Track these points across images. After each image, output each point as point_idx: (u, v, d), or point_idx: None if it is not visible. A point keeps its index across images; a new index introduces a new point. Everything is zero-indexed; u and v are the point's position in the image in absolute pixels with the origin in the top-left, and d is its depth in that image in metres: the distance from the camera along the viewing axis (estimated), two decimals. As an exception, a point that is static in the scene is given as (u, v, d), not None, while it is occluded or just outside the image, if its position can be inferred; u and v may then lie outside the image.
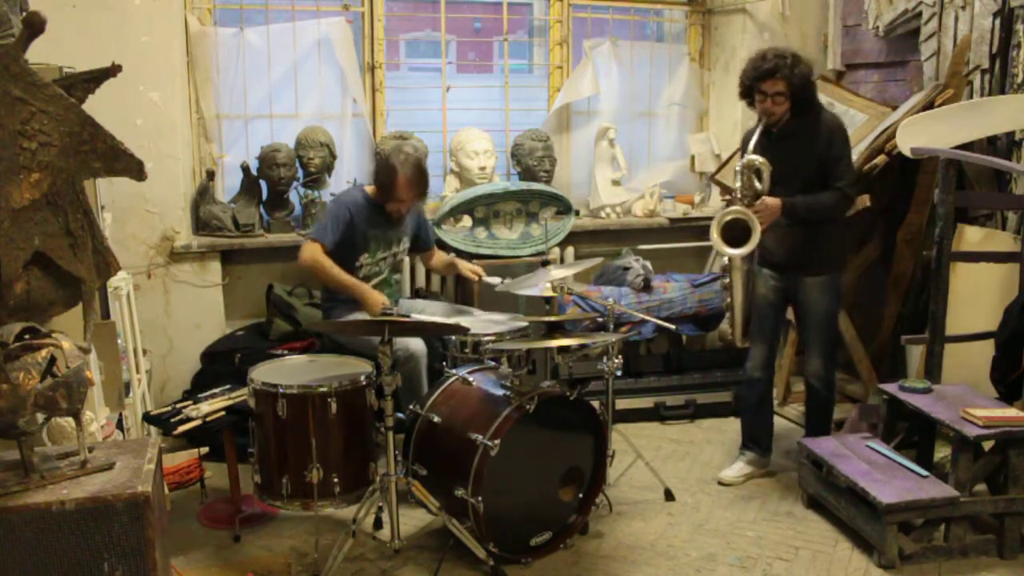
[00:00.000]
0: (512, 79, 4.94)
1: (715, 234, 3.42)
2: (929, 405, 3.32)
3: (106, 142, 2.21)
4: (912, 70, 4.54)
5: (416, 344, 3.51)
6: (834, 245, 3.62)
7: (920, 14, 4.37)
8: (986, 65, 4.02)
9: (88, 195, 2.32)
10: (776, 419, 3.99)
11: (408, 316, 3.49)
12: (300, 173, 4.37)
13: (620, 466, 3.74)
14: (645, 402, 4.48)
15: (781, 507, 3.56)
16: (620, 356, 3.40)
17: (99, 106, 2.29)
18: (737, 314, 3.60)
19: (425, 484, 3.08)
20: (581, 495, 3.23)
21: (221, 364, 4.04)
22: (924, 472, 3.23)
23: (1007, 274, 3.67)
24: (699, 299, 4.53)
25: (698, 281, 4.60)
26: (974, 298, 3.83)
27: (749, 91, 3.48)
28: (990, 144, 4.03)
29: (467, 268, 3.96)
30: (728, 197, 4.71)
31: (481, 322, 3.66)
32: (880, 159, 3.98)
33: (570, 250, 4.78)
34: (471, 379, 3.26)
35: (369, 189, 3.74)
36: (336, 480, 3.00)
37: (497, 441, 2.90)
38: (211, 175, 4.26)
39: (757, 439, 3.83)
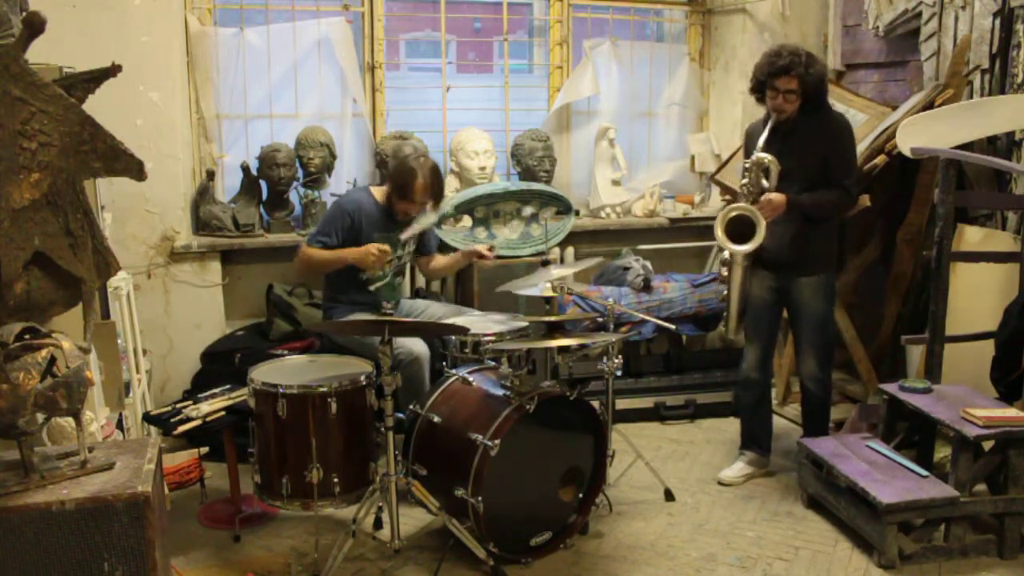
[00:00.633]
0: (512, 79, 4.94)
1: (719, 230, 3.42)
2: (929, 405, 3.32)
3: (106, 142, 2.21)
4: (912, 70, 4.54)
5: (419, 346, 3.51)
6: (828, 245, 3.62)
7: (920, 14, 4.37)
8: (986, 65, 4.02)
9: (88, 195, 2.32)
10: (775, 419, 4.00)
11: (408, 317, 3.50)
12: (300, 173, 4.37)
13: (620, 466, 3.74)
14: (645, 402, 4.48)
15: (781, 507, 3.56)
16: (620, 356, 3.40)
17: (99, 106, 2.29)
18: (732, 307, 3.61)
19: (425, 484, 3.08)
20: (581, 495, 3.23)
21: (221, 364, 4.04)
22: (924, 472, 3.23)
23: (1007, 274, 3.67)
24: (699, 299, 4.53)
25: (698, 281, 4.60)
26: (974, 298, 3.83)
27: (761, 87, 3.48)
28: (990, 144, 4.03)
29: (477, 248, 3.85)
30: (728, 197, 4.72)
31: (480, 322, 3.65)
32: (880, 159, 3.98)
33: (570, 250, 4.78)
34: (471, 379, 3.26)
35: (376, 191, 3.72)
36: (336, 480, 3.00)
37: (497, 441, 2.91)
38: (211, 175, 4.26)
39: (757, 439, 3.83)
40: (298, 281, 4.30)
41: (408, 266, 4.02)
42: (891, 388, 3.52)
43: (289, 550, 3.19)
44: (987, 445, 3.19)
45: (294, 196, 4.44)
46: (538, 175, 4.72)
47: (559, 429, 3.16)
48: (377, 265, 3.57)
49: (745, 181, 3.47)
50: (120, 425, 3.16)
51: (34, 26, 2.04)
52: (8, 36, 2.28)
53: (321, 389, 2.99)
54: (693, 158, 5.22)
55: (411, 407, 3.27)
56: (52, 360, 2.10)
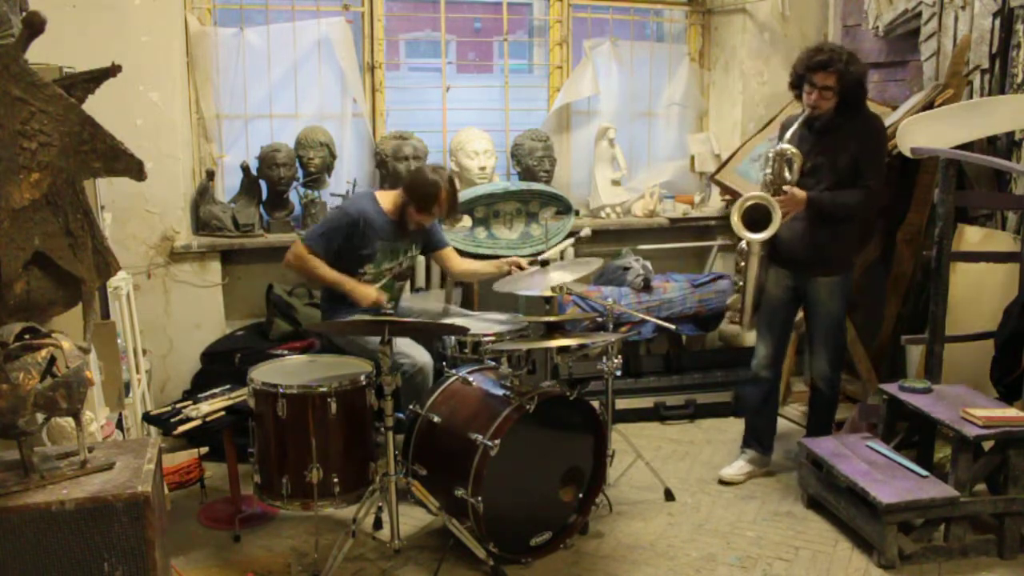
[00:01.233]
0: (512, 79, 4.94)
1: (736, 217, 3.42)
2: (929, 405, 3.32)
3: (106, 142, 2.21)
4: (912, 70, 4.54)
5: (423, 356, 3.51)
6: (850, 245, 3.62)
7: (920, 14, 4.37)
8: (986, 65, 4.02)
9: (88, 195, 2.32)
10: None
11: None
12: (300, 173, 4.37)
13: (620, 466, 3.74)
14: (645, 402, 4.48)
15: (781, 507, 3.56)
16: (620, 356, 3.39)
17: (99, 106, 2.29)
18: (748, 298, 3.60)
19: (425, 484, 3.08)
20: (581, 495, 3.23)
21: (221, 364, 4.03)
22: (924, 472, 3.23)
23: (1007, 274, 3.67)
24: (699, 299, 4.53)
25: (698, 281, 4.60)
26: (974, 298, 3.83)
27: (800, 81, 3.47)
28: (990, 144, 4.03)
29: (507, 263, 3.73)
30: (728, 197, 4.72)
31: (471, 321, 3.65)
32: (880, 159, 3.98)
33: (570, 250, 4.78)
34: (471, 379, 3.26)
35: (382, 198, 3.66)
36: (336, 480, 3.00)
37: (497, 441, 2.90)
38: (211, 175, 4.26)
39: (759, 438, 3.83)
40: (298, 281, 4.30)
41: (412, 269, 4.01)
42: (891, 388, 3.52)
43: (289, 550, 3.19)
44: (987, 445, 3.19)
45: (294, 196, 4.44)
46: (538, 175, 4.72)
47: (559, 429, 3.16)
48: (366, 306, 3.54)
49: (768, 171, 3.47)
50: (120, 425, 3.16)
51: (34, 26, 2.04)
52: (8, 36, 2.28)
53: (321, 389, 2.99)
54: (693, 158, 5.21)
55: (411, 407, 3.27)
56: (52, 360, 2.10)
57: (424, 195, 3.54)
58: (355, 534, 2.96)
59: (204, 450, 3.66)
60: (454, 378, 3.29)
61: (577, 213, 4.85)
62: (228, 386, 3.53)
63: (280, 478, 3.01)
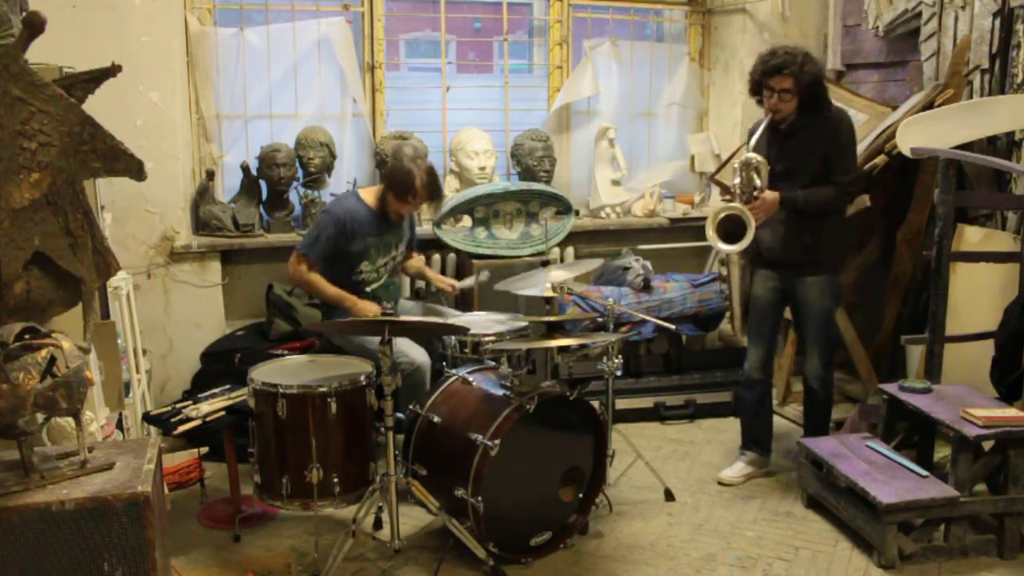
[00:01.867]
0: (512, 79, 4.94)
1: (711, 230, 3.42)
2: (929, 405, 3.32)
3: (106, 142, 2.21)
4: (912, 70, 4.54)
5: (420, 355, 3.51)
6: (835, 244, 3.62)
7: (920, 14, 4.37)
8: (986, 65, 4.02)
9: (88, 195, 2.32)
10: (776, 419, 3.99)
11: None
12: (300, 173, 4.37)
13: (620, 466, 3.74)
14: (645, 402, 4.48)
15: (781, 507, 3.56)
16: (620, 356, 3.40)
17: (99, 106, 2.29)
18: (736, 306, 3.61)
19: (425, 484, 3.08)
20: (581, 495, 3.23)
21: (221, 364, 4.04)
22: (924, 472, 3.23)
23: (1007, 274, 3.67)
24: (699, 299, 4.53)
25: (698, 281, 4.60)
26: (974, 298, 3.83)
27: (758, 87, 3.48)
28: (990, 144, 4.03)
29: (439, 281, 4.00)
30: (728, 197, 4.72)
31: (460, 321, 3.66)
32: (880, 159, 3.98)
33: (570, 250, 4.79)
34: (471, 379, 3.26)
35: (365, 193, 3.70)
36: (336, 480, 3.00)
37: (497, 441, 2.90)
38: (211, 175, 4.26)
39: (757, 439, 3.83)
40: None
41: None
42: (891, 388, 3.52)
43: (289, 550, 3.19)
44: (987, 445, 3.19)
45: (294, 196, 4.44)
46: (538, 175, 4.72)
47: (559, 429, 3.15)
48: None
49: (738, 181, 3.47)
50: (120, 425, 3.16)
51: (34, 26, 2.05)
52: (8, 36, 2.28)
53: (321, 389, 2.99)
54: (693, 158, 5.22)
55: (411, 407, 3.27)
56: (52, 360, 2.10)
57: (400, 183, 3.57)
58: (355, 534, 2.96)
59: (204, 450, 3.66)
60: (454, 378, 3.29)
61: (577, 213, 4.85)
62: (228, 386, 3.53)
63: (280, 478, 3.01)
